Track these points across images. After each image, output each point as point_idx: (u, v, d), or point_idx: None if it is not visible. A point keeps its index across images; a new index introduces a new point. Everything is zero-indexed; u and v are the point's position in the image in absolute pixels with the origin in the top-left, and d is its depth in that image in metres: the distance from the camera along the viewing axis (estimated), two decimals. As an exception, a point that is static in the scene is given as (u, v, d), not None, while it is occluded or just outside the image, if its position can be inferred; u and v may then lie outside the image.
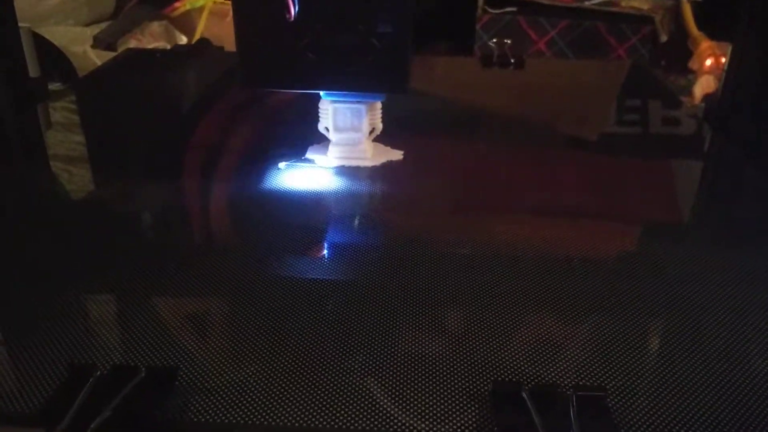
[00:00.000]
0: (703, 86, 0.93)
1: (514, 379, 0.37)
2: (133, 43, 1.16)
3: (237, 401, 0.35)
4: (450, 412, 0.35)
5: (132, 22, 1.19)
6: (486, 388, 0.36)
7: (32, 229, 0.54)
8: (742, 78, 0.72)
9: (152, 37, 1.18)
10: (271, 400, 0.35)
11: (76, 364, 0.36)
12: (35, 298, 0.44)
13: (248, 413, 0.34)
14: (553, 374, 0.37)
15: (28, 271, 0.47)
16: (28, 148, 0.68)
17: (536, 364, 0.38)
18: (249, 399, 0.35)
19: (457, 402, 0.35)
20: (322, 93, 0.57)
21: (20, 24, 0.68)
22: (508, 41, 0.95)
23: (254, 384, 0.36)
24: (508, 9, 1.12)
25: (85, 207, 0.59)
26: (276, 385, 0.36)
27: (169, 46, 1.15)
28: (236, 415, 0.34)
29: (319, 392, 0.36)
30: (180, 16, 1.21)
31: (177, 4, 1.21)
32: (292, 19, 0.50)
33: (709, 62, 0.97)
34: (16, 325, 0.42)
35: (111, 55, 1.07)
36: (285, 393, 0.36)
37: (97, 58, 1.08)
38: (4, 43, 0.65)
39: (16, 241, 0.51)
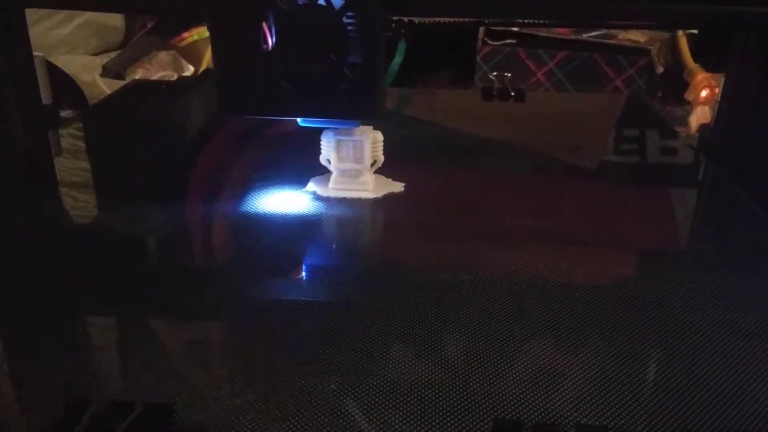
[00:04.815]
0: (699, 117, 0.94)
1: (513, 413, 0.37)
2: (141, 73, 1.19)
3: None
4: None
5: (140, 51, 1.22)
6: (482, 423, 0.36)
7: (28, 258, 0.54)
8: (735, 108, 0.73)
9: (160, 67, 1.21)
10: None
11: (71, 399, 0.36)
12: (29, 331, 0.45)
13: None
14: (553, 407, 0.37)
15: (23, 303, 0.48)
16: (39, 173, 0.70)
17: (536, 396, 0.38)
18: None
19: None
20: (299, 120, 0.58)
21: (34, 53, 0.70)
22: (509, 74, 0.97)
23: (253, 420, 0.36)
24: (508, 41, 1.14)
25: (84, 237, 0.60)
26: (277, 422, 0.36)
27: (176, 76, 1.18)
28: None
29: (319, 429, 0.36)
30: (187, 47, 1.23)
31: (185, 35, 1.23)
32: (269, 49, 0.52)
33: (704, 93, 0.99)
34: (10, 359, 0.42)
35: (120, 83, 1.09)
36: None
37: (106, 86, 1.10)
38: (19, 71, 0.67)
39: (12, 271, 0.52)
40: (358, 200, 0.63)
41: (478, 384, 0.39)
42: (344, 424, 0.36)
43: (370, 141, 0.62)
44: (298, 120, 0.59)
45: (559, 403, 0.38)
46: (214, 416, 0.36)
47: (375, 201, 0.63)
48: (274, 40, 0.53)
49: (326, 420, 0.36)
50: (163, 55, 1.21)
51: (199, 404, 0.37)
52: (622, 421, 0.36)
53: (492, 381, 0.39)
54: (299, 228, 0.59)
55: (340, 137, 0.61)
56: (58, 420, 0.35)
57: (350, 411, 0.37)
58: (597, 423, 0.36)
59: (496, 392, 0.38)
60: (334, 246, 0.59)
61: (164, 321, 0.46)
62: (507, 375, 0.40)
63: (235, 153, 0.77)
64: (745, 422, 0.36)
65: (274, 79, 0.54)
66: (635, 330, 0.45)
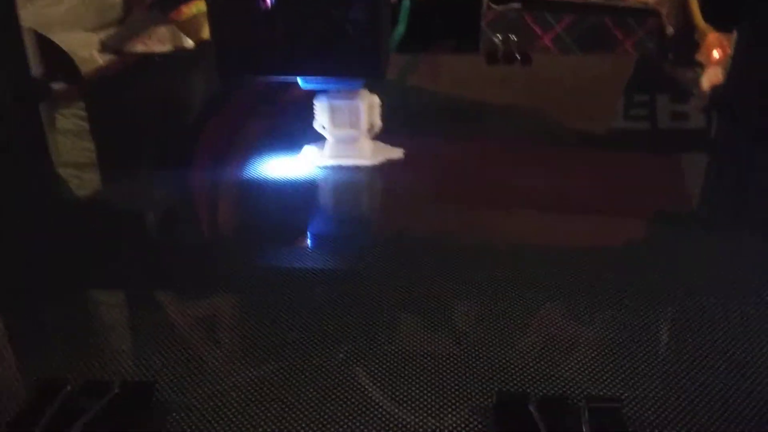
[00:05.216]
0: (711, 78, 0.91)
1: (519, 384, 0.35)
2: (140, 48, 1.17)
3: (218, 417, 0.33)
4: (449, 411, 0.33)
5: (139, 26, 1.20)
6: (489, 393, 0.34)
7: (14, 235, 0.53)
8: (749, 66, 0.71)
9: (159, 42, 1.19)
10: (258, 414, 0.33)
11: (45, 378, 0.34)
12: (5, 310, 0.43)
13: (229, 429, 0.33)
14: (562, 378, 0.35)
15: (5, 282, 0.47)
16: (30, 146, 0.68)
17: (544, 365, 0.36)
18: (231, 414, 0.33)
19: (455, 405, 0.34)
20: (300, 81, 0.56)
21: (22, 24, 0.68)
22: (513, 36, 0.95)
23: (239, 397, 0.35)
24: (513, 5, 1.11)
25: (69, 212, 0.58)
26: (261, 397, 0.35)
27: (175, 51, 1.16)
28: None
29: (306, 400, 0.34)
30: (187, 21, 1.21)
31: (184, 9, 1.21)
32: (269, 7, 0.50)
33: (716, 54, 0.96)
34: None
35: (118, 59, 1.08)
36: (272, 406, 0.34)
37: (104, 62, 1.08)
38: (5, 42, 0.65)
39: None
40: (355, 167, 0.61)
41: (485, 353, 0.37)
42: (352, 391, 0.35)
43: (367, 105, 0.60)
44: (299, 82, 0.57)
45: (569, 372, 0.36)
46: (213, 385, 0.35)
47: (372, 168, 0.61)
48: None
49: (335, 388, 0.35)
50: (163, 30, 1.19)
51: (195, 376, 0.36)
52: (637, 392, 0.35)
53: (500, 350, 0.38)
54: (293, 200, 0.57)
55: (334, 101, 0.59)
56: (31, 399, 0.33)
57: (358, 379, 0.35)
58: (609, 393, 0.34)
59: (504, 362, 0.37)
60: (328, 216, 0.57)
61: (163, 293, 0.45)
62: (515, 343, 0.38)
63: (231, 124, 0.76)
64: (763, 387, 0.35)
65: (273, 39, 0.53)
66: (648, 295, 0.43)
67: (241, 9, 0.52)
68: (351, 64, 0.54)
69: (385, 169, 0.61)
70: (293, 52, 0.53)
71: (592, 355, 0.37)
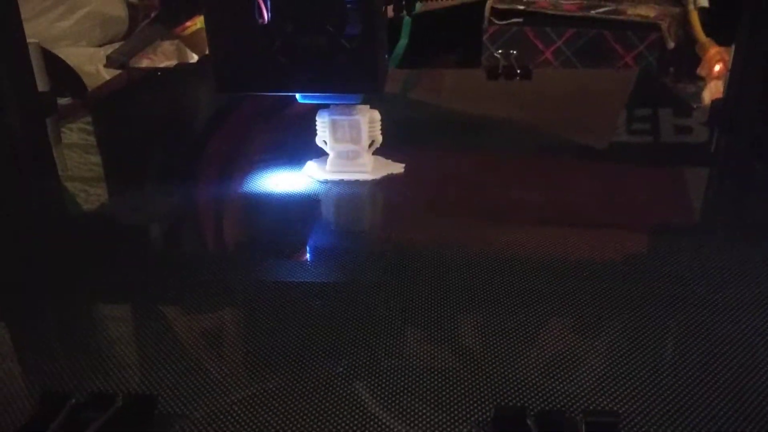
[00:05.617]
0: (712, 92, 0.92)
1: (517, 399, 0.35)
2: (145, 63, 1.18)
3: (220, 430, 0.33)
4: (449, 426, 0.33)
5: (144, 41, 1.21)
6: (489, 407, 0.34)
7: (19, 249, 0.53)
8: (746, 79, 0.71)
9: (164, 56, 1.20)
10: (258, 427, 0.34)
11: (49, 391, 0.35)
12: (8, 323, 0.44)
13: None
14: (560, 393, 0.35)
15: (7, 295, 0.47)
16: (37, 161, 0.69)
17: (542, 379, 0.36)
18: (232, 427, 0.33)
19: (455, 419, 0.34)
20: (298, 96, 0.57)
21: (29, 39, 0.69)
22: (514, 52, 0.95)
23: (239, 412, 0.35)
24: (515, 20, 1.12)
25: (71, 225, 0.59)
26: (262, 411, 0.35)
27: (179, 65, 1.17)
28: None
29: (305, 414, 0.34)
30: (191, 35, 1.22)
31: (188, 24, 1.22)
32: (266, 22, 0.51)
33: (717, 68, 0.97)
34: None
35: (123, 74, 1.09)
36: (272, 420, 0.34)
37: (110, 77, 1.10)
38: (12, 57, 0.66)
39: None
40: (356, 182, 0.61)
41: (484, 367, 0.37)
42: (351, 406, 0.35)
43: (367, 120, 0.60)
44: (297, 96, 0.57)
45: (568, 387, 0.36)
46: (209, 398, 0.35)
47: (373, 183, 0.61)
48: (269, 13, 0.51)
49: (334, 402, 0.35)
50: (167, 45, 1.21)
51: (197, 389, 0.36)
52: (636, 405, 0.34)
53: (499, 364, 0.38)
54: (294, 214, 0.58)
55: (335, 117, 0.59)
56: (36, 412, 0.33)
57: (358, 393, 0.36)
58: (609, 408, 0.34)
59: (503, 376, 0.37)
60: (329, 230, 0.57)
61: (164, 306, 0.45)
62: (516, 357, 0.38)
63: (231, 137, 0.76)
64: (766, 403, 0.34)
65: (270, 54, 0.53)
66: (649, 309, 0.43)
67: (237, 24, 0.52)
68: (347, 79, 0.54)
69: (386, 183, 0.62)
70: (289, 67, 0.53)
71: (593, 368, 0.37)
